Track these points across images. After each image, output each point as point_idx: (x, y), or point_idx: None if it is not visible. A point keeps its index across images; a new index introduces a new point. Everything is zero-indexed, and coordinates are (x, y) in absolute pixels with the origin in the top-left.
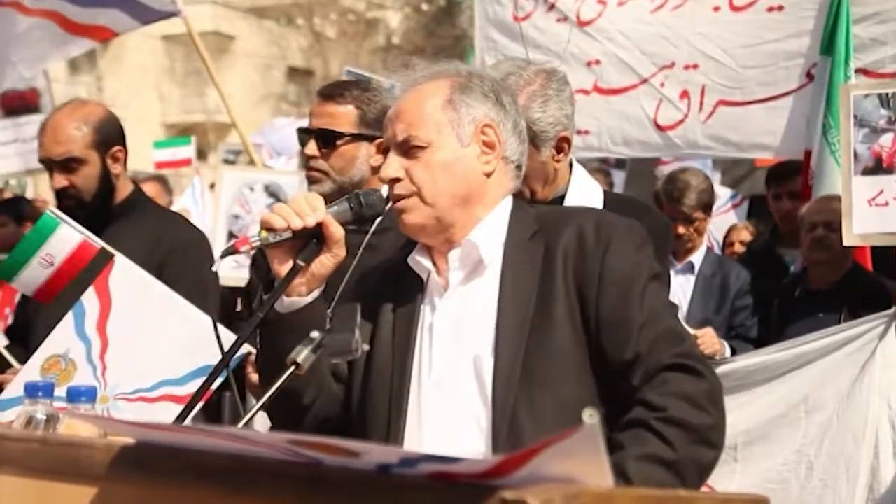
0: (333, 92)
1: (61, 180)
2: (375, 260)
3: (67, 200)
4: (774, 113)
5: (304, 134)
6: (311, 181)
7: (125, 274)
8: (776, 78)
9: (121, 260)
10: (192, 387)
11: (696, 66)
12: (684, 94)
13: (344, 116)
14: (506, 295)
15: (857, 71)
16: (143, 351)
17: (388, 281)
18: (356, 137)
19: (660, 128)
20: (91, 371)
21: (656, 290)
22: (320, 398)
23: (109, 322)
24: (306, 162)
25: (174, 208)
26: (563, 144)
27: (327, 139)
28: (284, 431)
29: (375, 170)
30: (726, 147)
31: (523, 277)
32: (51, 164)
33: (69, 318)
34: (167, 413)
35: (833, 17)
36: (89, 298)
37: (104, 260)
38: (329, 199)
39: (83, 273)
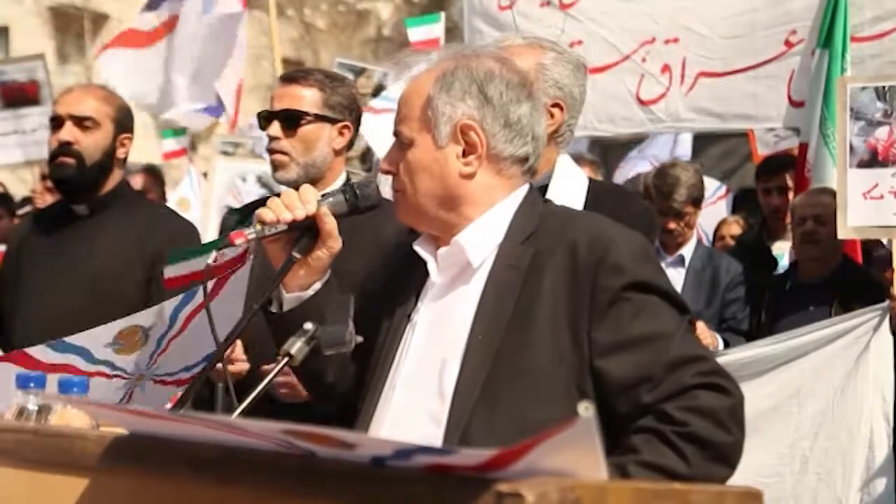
0: (296, 75)
1: (71, 133)
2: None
3: (65, 157)
4: (754, 82)
5: (266, 117)
6: (276, 166)
7: (240, 278)
8: (755, 47)
9: (248, 265)
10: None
11: (676, 40)
12: (665, 69)
13: (307, 98)
14: (485, 305)
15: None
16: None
17: (398, 265)
18: (319, 118)
19: (642, 103)
20: (153, 350)
21: (654, 304)
22: (345, 376)
23: (198, 315)
24: (268, 144)
25: (172, 198)
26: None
27: (290, 120)
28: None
29: (338, 153)
30: (709, 118)
31: (506, 288)
32: (64, 120)
33: (177, 298)
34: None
35: (831, 11)
36: (210, 287)
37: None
38: (295, 185)
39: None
